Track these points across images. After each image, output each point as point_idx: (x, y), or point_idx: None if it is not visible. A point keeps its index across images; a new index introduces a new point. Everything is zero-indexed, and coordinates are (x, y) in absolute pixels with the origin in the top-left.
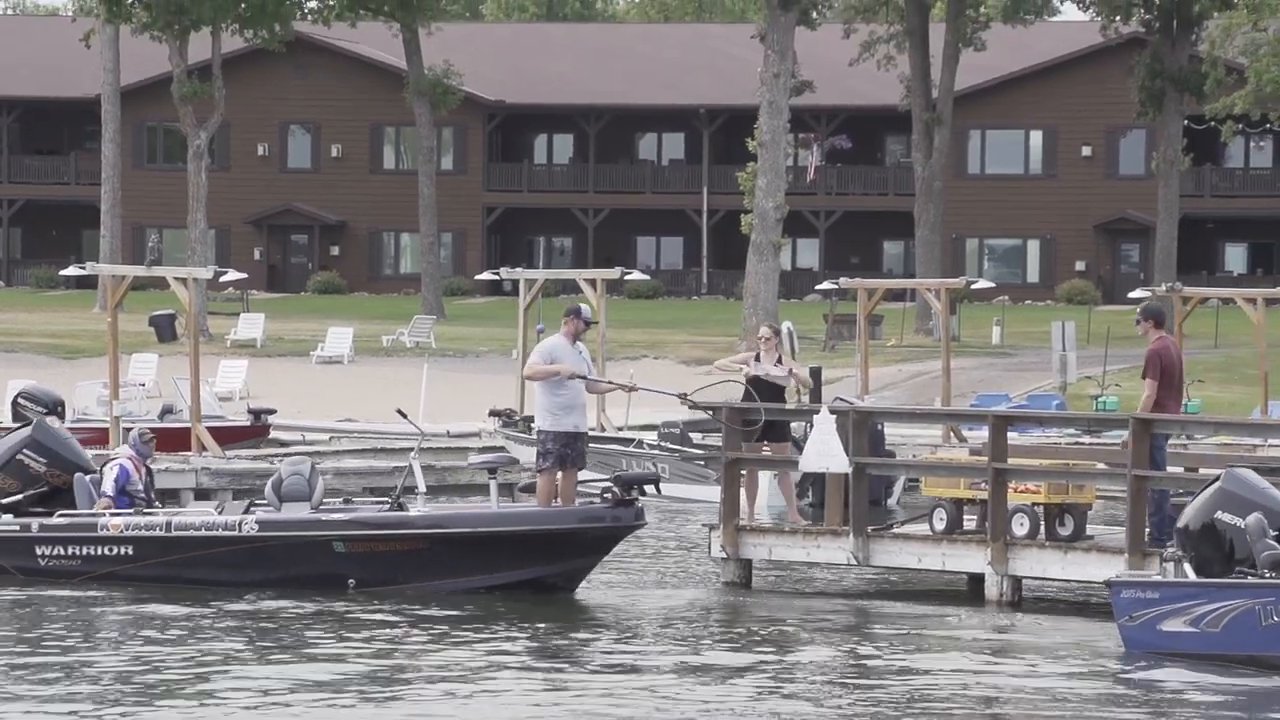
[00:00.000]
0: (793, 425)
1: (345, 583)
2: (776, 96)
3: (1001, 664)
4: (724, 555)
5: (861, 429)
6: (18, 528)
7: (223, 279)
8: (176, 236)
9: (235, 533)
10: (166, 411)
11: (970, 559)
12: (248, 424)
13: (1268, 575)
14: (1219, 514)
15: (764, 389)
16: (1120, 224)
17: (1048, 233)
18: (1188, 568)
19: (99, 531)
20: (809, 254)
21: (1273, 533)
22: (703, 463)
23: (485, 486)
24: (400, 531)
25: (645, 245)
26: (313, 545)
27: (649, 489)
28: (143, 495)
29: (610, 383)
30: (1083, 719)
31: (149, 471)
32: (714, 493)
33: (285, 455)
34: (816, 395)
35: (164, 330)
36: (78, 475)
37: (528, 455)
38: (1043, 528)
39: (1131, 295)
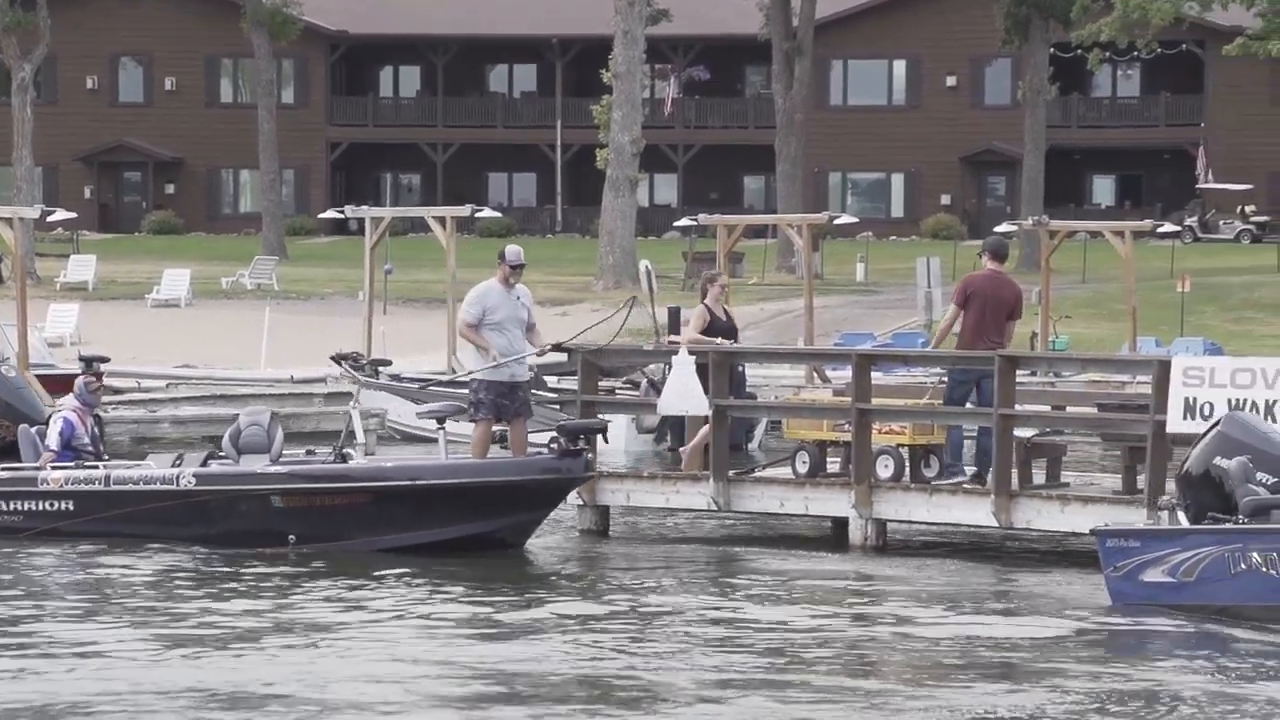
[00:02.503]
0: (651, 367)
1: (285, 539)
2: (632, 26)
3: (868, 609)
4: (580, 502)
5: (722, 370)
6: None
7: (50, 219)
8: (1, 175)
9: (173, 487)
10: None
11: (834, 503)
12: (79, 371)
13: (1243, 521)
14: (1216, 459)
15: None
16: (986, 156)
17: (912, 166)
18: (1181, 515)
19: (39, 486)
20: (667, 189)
21: (1267, 479)
22: (557, 406)
23: (330, 434)
24: (338, 485)
25: (497, 181)
26: (249, 499)
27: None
28: (90, 448)
29: (539, 349)
30: (952, 665)
31: (98, 419)
32: None
33: (119, 403)
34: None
35: None
36: (22, 427)
37: (374, 401)
38: (908, 469)
39: (997, 229)
